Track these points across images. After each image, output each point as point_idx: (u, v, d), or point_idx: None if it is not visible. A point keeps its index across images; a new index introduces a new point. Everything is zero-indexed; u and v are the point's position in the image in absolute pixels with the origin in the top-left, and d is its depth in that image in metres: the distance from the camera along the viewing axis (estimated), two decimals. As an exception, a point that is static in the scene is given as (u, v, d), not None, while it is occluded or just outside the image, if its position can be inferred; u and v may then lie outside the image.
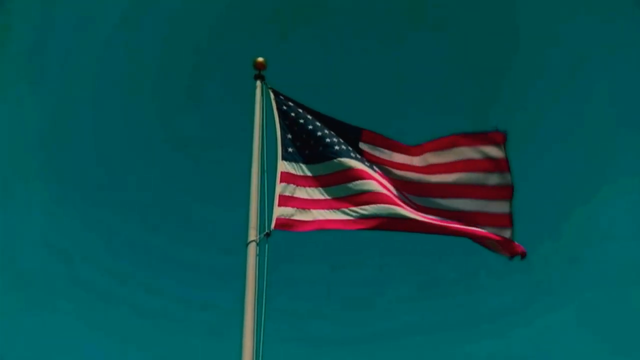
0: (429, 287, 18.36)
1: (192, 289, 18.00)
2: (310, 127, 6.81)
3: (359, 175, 6.47)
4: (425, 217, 6.28)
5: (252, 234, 5.74)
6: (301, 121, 6.86)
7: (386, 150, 6.79)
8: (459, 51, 19.78)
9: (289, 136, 6.78)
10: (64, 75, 17.72)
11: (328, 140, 6.71)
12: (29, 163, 17.09)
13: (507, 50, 19.10)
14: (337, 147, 6.67)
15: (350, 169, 6.52)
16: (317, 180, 6.57)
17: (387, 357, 16.54)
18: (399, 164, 6.75)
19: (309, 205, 6.36)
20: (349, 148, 6.76)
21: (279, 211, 6.12)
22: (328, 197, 6.46)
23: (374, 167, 6.74)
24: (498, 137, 6.34)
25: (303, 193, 6.43)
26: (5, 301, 14.39)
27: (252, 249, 5.62)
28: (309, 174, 6.60)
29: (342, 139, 6.79)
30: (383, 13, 19.58)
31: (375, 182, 6.43)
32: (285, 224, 6.10)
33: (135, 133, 19.29)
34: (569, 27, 17.88)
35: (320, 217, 6.28)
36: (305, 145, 6.75)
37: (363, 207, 6.28)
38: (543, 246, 17.42)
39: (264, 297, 5.36)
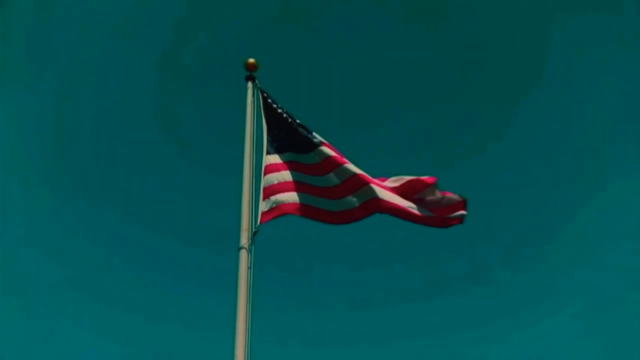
0: (429, 289, 18.37)
1: (190, 288, 18.07)
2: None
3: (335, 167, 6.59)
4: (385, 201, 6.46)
5: (244, 237, 5.64)
6: (286, 117, 6.88)
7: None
8: (456, 52, 19.74)
9: (275, 130, 6.76)
10: (63, 75, 17.83)
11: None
12: (29, 164, 17.16)
13: (506, 51, 19.10)
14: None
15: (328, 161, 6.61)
16: (302, 167, 6.63)
17: (386, 358, 16.58)
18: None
19: (290, 188, 6.38)
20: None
21: (264, 205, 6.08)
22: (311, 185, 6.54)
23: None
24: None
25: (285, 176, 6.46)
26: (5, 302, 14.46)
27: (243, 253, 5.55)
28: (294, 160, 6.67)
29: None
30: (378, 13, 19.60)
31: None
32: (270, 213, 6.08)
33: (134, 133, 19.38)
34: (568, 27, 17.87)
35: (301, 201, 6.35)
36: (289, 137, 6.77)
37: (343, 199, 6.47)
38: (544, 248, 17.43)
39: (251, 298, 5.34)
